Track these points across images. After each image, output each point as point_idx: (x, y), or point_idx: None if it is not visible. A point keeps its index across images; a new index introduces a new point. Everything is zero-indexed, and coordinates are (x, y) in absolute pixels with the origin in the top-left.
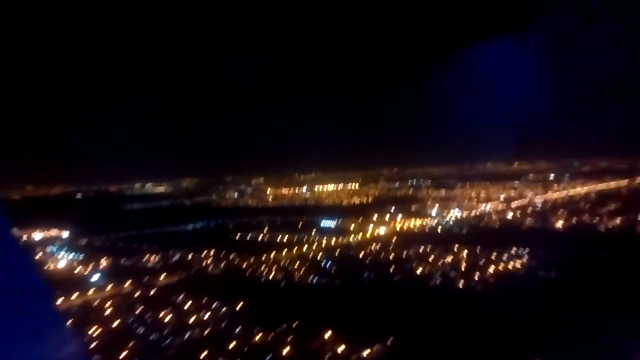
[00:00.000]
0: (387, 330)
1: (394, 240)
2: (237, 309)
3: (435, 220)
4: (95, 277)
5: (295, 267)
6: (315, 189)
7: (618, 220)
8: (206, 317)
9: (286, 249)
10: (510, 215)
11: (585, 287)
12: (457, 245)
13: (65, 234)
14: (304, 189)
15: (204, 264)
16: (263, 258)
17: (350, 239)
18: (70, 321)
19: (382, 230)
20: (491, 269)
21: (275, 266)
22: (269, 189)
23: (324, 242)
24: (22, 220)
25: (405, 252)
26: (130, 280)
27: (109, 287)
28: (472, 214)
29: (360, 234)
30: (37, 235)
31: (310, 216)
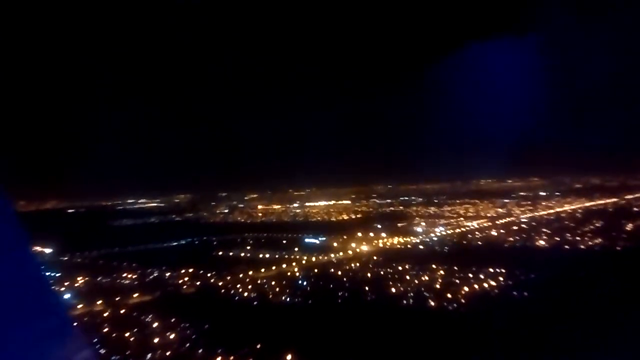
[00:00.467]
0: (349, 353)
1: (374, 259)
2: (204, 329)
3: (419, 239)
4: (66, 296)
5: (271, 286)
6: (306, 205)
7: (599, 240)
8: (170, 338)
9: (265, 268)
10: (493, 233)
11: (552, 309)
12: (434, 265)
13: (48, 251)
14: (295, 205)
15: (179, 282)
16: (240, 276)
17: (331, 257)
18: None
19: (364, 249)
20: (463, 290)
21: (250, 285)
22: (260, 205)
23: (304, 260)
24: None
25: (381, 271)
26: (102, 300)
27: (78, 307)
28: (457, 231)
29: (342, 252)
30: None
31: (296, 233)
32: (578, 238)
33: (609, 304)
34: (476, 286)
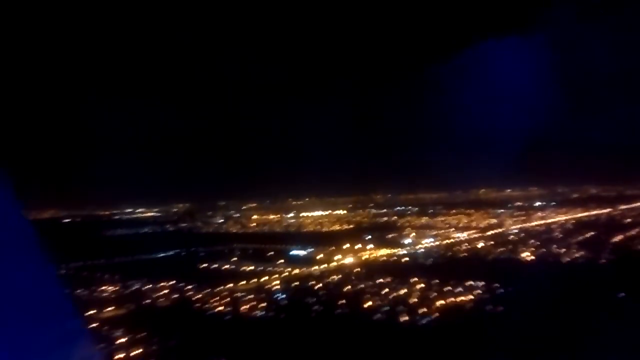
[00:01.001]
0: None
1: (355, 272)
2: (170, 345)
3: (405, 250)
4: None
5: (246, 300)
6: (301, 215)
7: (583, 252)
8: (135, 353)
9: (245, 280)
10: (480, 245)
11: (523, 325)
12: (413, 278)
13: None
14: (290, 215)
15: (156, 295)
16: (218, 290)
17: (314, 270)
18: None
19: (347, 261)
20: (437, 304)
21: (227, 299)
22: (256, 214)
23: (286, 272)
24: None
25: (360, 285)
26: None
27: None
28: (444, 243)
29: (325, 264)
30: None
31: (284, 244)
32: (563, 250)
33: (582, 319)
34: (450, 300)
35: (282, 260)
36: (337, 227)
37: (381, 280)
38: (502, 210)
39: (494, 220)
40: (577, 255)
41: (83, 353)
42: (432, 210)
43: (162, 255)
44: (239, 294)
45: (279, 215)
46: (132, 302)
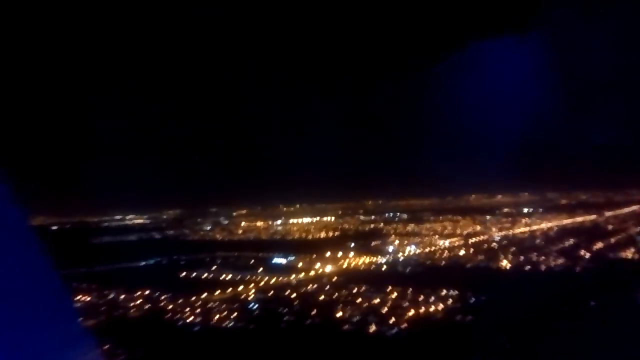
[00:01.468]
0: None
1: (334, 280)
2: (137, 357)
3: (386, 258)
4: None
5: (219, 310)
6: (289, 222)
7: (561, 260)
8: None
9: (221, 290)
10: (461, 253)
11: (491, 334)
12: (389, 287)
13: None
14: (279, 222)
15: (129, 305)
16: (193, 299)
17: (291, 279)
18: None
19: (327, 270)
20: (408, 313)
21: (200, 309)
22: (245, 221)
23: (264, 281)
24: None
25: (335, 294)
26: None
27: None
28: (425, 251)
29: (304, 273)
30: None
31: (267, 252)
32: (542, 258)
33: (552, 328)
34: (422, 310)
35: (262, 269)
36: (322, 235)
37: (356, 289)
38: (489, 217)
39: (479, 227)
40: (554, 263)
41: (84, 356)
42: (420, 217)
43: (143, 263)
44: (212, 304)
45: (267, 222)
46: (103, 313)
